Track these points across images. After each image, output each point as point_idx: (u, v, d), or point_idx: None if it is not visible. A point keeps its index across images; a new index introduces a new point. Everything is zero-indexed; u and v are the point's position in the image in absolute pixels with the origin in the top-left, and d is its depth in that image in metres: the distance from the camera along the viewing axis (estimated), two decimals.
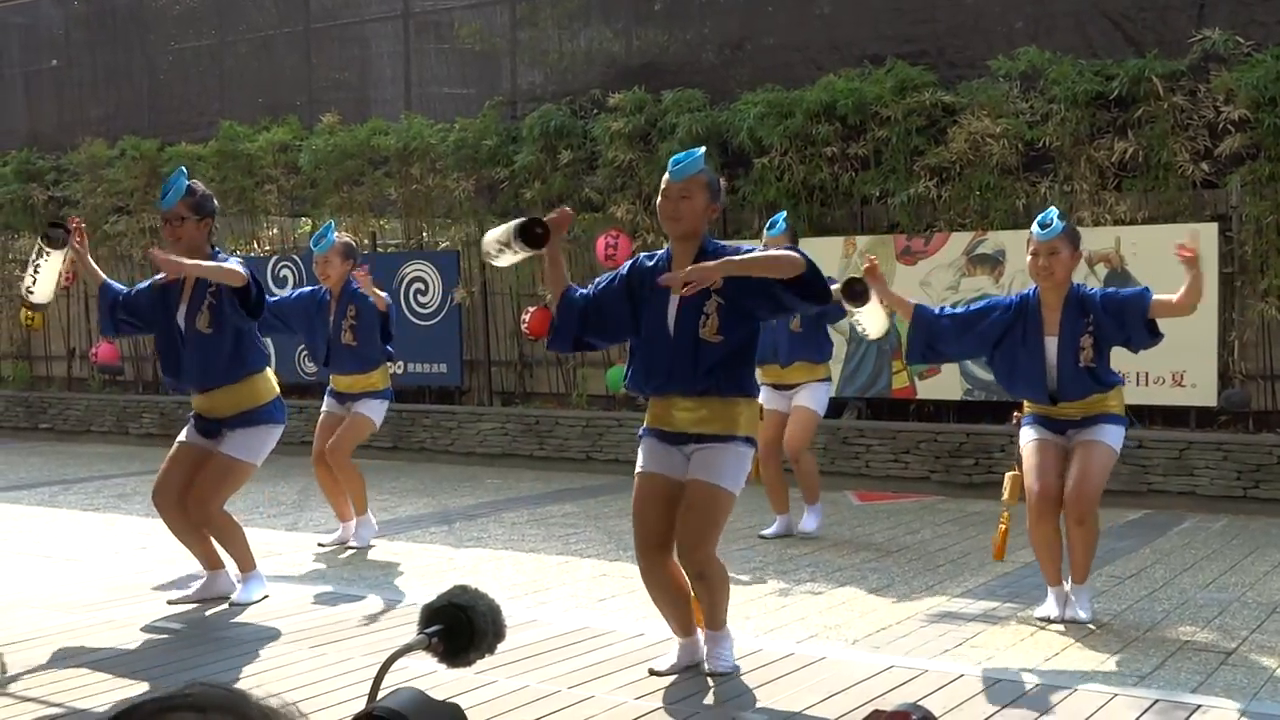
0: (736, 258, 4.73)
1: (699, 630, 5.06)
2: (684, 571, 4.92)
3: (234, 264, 6.11)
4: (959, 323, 5.94)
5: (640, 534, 4.96)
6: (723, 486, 4.87)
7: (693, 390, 4.89)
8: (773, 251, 4.81)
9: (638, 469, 5.04)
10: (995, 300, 6.08)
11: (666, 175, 4.93)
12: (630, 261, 5.16)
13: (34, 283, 6.36)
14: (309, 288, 8.25)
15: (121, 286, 6.57)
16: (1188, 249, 5.56)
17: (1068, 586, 5.91)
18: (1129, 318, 5.70)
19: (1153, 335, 5.74)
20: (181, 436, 6.48)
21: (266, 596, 6.39)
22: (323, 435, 7.99)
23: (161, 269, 6.00)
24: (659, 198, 4.99)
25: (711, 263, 4.64)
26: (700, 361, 4.84)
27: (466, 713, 1.58)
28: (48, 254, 6.35)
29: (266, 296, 6.30)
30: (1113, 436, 5.82)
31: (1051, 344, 5.78)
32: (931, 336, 5.93)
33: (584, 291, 5.11)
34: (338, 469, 7.86)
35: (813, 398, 7.95)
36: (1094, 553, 5.88)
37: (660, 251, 5.11)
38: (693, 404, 4.91)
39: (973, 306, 6.11)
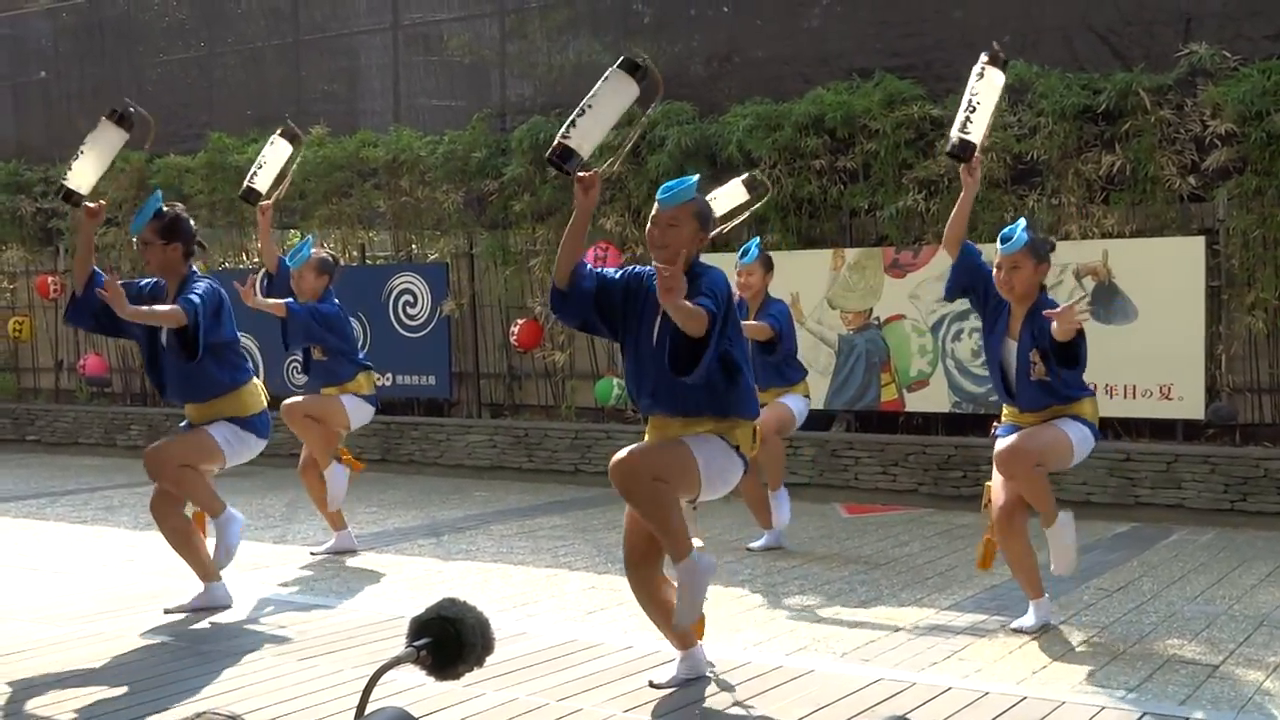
0: (682, 303, 4.53)
1: (699, 644, 5.06)
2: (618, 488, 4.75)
3: (170, 308, 6.09)
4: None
5: (627, 546, 4.93)
6: (695, 452, 4.77)
7: (678, 411, 4.88)
8: (690, 308, 4.66)
9: None
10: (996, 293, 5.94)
11: (656, 201, 4.87)
12: (629, 269, 5.10)
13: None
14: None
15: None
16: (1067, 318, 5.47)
17: (1047, 598, 5.95)
18: (1047, 336, 5.65)
19: (1063, 362, 5.63)
20: None
21: (246, 524, 6.58)
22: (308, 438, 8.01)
23: (109, 303, 5.95)
24: (649, 223, 4.92)
25: (676, 289, 4.46)
26: (678, 383, 4.76)
27: None
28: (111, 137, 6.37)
29: (206, 335, 6.19)
30: (1069, 427, 5.79)
31: (1012, 347, 5.84)
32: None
33: (595, 272, 5.01)
34: (315, 462, 7.96)
35: (793, 404, 7.92)
36: (1045, 496, 5.80)
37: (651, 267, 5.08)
38: (685, 422, 4.89)
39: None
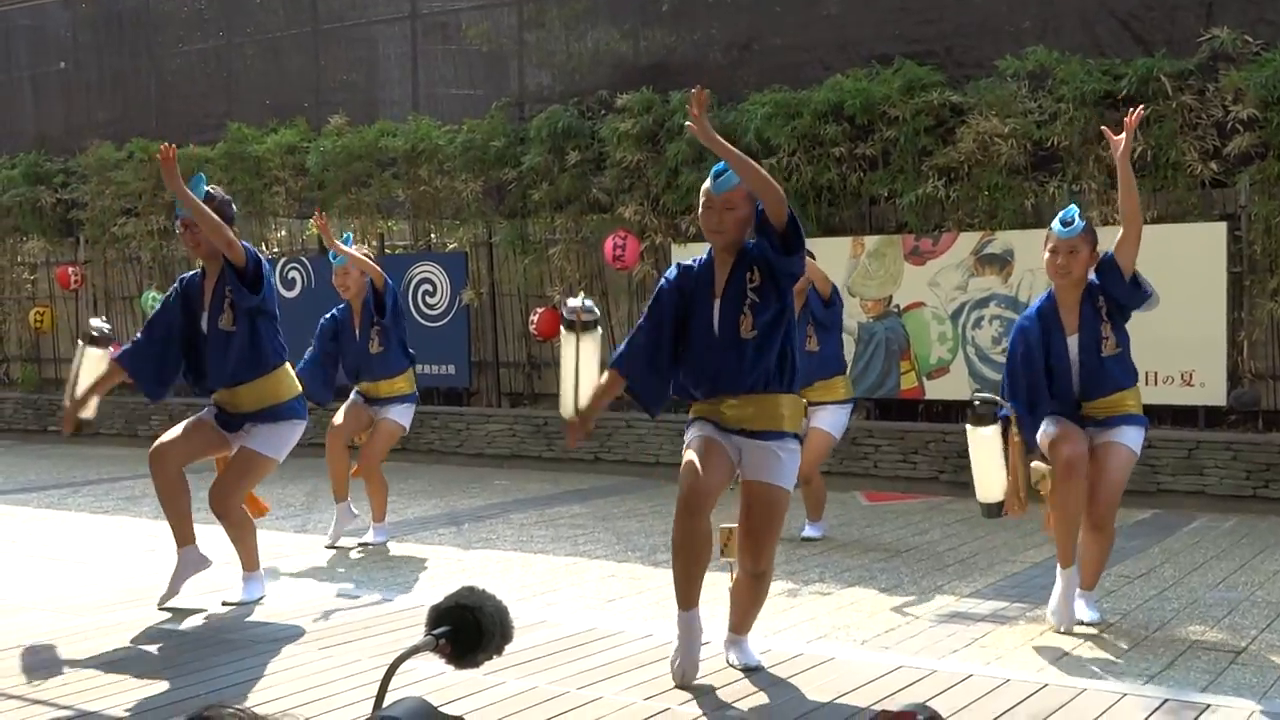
0: (744, 157, 4.74)
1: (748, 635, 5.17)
2: (743, 571, 4.99)
3: (231, 235, 6.13)
4: (1038, 380, 5.77)
5: (690, 484, 4.83)
6: (781, 485, 4.92)
7: (740, 389, 4.91)
8: (770, 181, 4.76)
9: (693, 435, 5.00)
10: (1020, 331, 5.84)
11: (708, 186, 4.86)
12: (677, 270, 5.07)
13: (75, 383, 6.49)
14: (323, 320, 8.15)
15: (143, 339, 6.48)
16: (1118, 135, 5.59)
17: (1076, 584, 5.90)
18: (1106, 278, 5.67)
19: (1137, 287, 5.71)
20: (201, 414, 6.50)
21: (264, 598, 6.41)
22: (347, 418, 8.01)
23: (163, 172, 5.94)
24: (701, 209, 4.93)
25: (714, 136, 4.67)
26: (744, 360, 4.87)
27: (475, 714, 1.58)
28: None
29: (267, 271, 6.30)
30: (1133, 438, 5.73)
31: (1073, 343, 5.71)
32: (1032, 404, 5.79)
33: (640, 351, 5.04)
34: (367, 476, 7.95)
35: (832, 421, 7.78)
36: (1107, 562, 5.84)
37: (701, 256, 5.06)
38: (738, 402, 4.92)
39: (1017, 355, 5.81)
